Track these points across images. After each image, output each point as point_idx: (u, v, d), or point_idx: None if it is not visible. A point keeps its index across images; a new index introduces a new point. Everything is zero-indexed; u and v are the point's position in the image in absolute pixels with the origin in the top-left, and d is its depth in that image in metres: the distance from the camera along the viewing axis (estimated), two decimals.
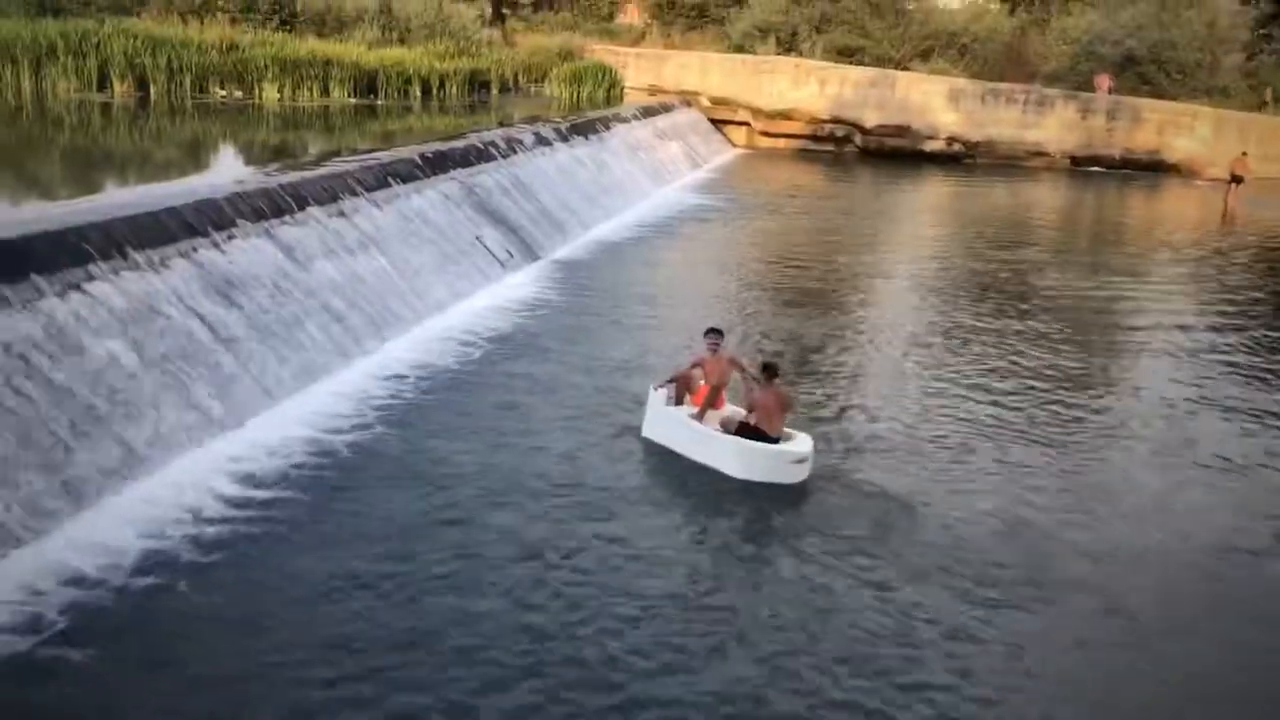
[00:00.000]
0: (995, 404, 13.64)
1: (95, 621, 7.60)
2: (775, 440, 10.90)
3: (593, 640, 7.83)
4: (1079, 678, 7.85)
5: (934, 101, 41.63)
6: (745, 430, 11.00)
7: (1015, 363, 15.55)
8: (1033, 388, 14.41)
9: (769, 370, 11.17)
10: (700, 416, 11.38)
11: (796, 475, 10.77)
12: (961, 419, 13.03)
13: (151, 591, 8.05)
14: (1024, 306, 19.24)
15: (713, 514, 10.21)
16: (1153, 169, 40.68)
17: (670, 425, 11.49)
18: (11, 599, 7.71)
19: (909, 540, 9.79)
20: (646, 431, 11.70)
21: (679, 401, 11.84)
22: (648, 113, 35.79)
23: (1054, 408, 13.67)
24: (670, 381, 11.92)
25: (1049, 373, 15.15)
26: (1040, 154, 41.67)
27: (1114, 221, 32.43)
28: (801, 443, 10.98)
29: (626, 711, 7.07)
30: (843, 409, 13.15)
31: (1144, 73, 44.11)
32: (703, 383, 11.79)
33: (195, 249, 12.29)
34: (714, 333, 12.07)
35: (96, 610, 7.74)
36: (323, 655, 7.46)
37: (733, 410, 11.55)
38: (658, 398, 11.73)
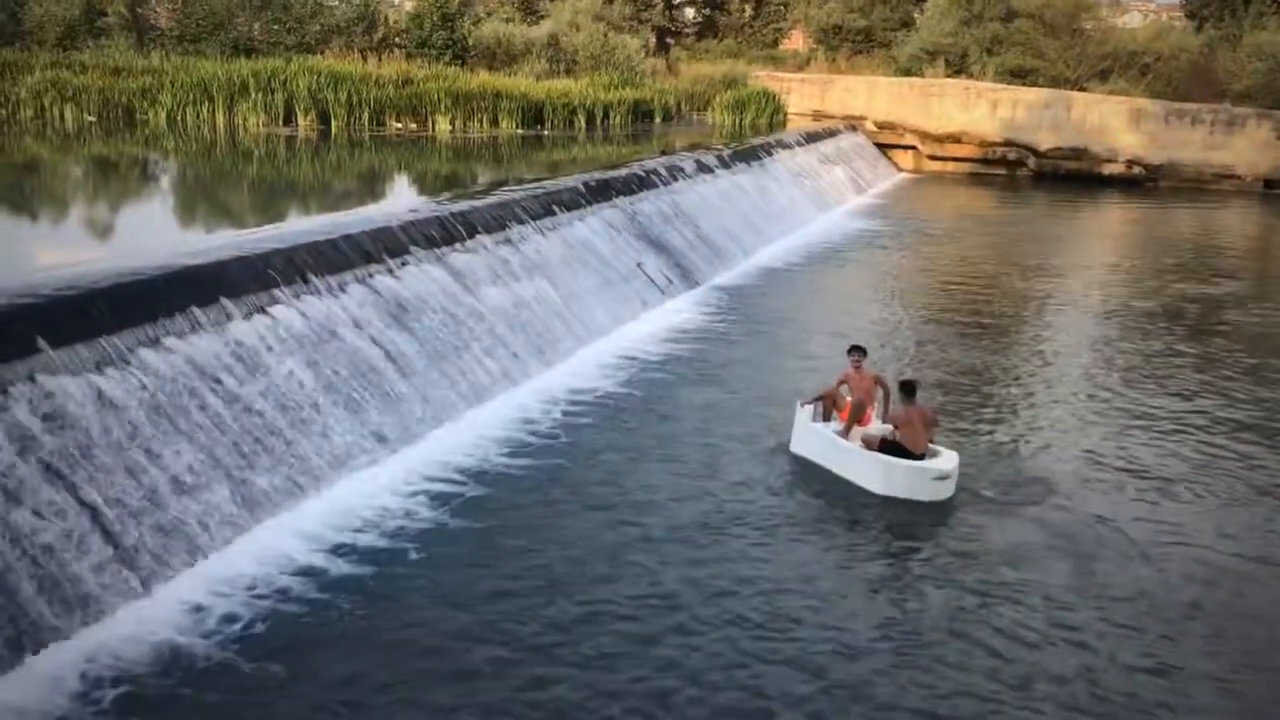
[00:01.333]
0: (1181, 440, 12.81)
1: (275, 631, 7.85)
2: (919, 457, 10.73)
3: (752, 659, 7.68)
4: None
5: (1113, 123, 39.89)
6: (887, 446, 10.86)
7: (1206, 399, 14.58)
8: (1229, 425, 13.47)
9: (907, 388, 11.13)
10: (845, 432, 11.41)
11: (939, 493, 10.65)
12: (1138, 452, 12.29)
13: (327, 605, 8.27)
14: (1218, 340, 18.09)
15: (862, 535, 10.05)
16: None
17: (816, 441, 11.60)
18: (200, 603, 8.08)
19: (1072, 573, 9.28)
20: (794, 447, 11.84)
21: (826, 418, 11.90)
22: (811, 138, 35.49)
23: (1253, 447, 12.73)
24: (817, 399, 11.98)
25: (1246, 411, 14.14)
26: (1230, 176, 39.36)
27: None
28: (945, 460, 10.88)
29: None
30: (1012, 437, 12.58)
31: None
32: (848, 399, 11.78)
33: (371, 274, 12.73)
34: (857, 350, 12.12)
35: (277, 619, 8.00)
36: (495, 668, 7.51)
37: (879, 427, 11.45)
38: (804, 414, 11.86)
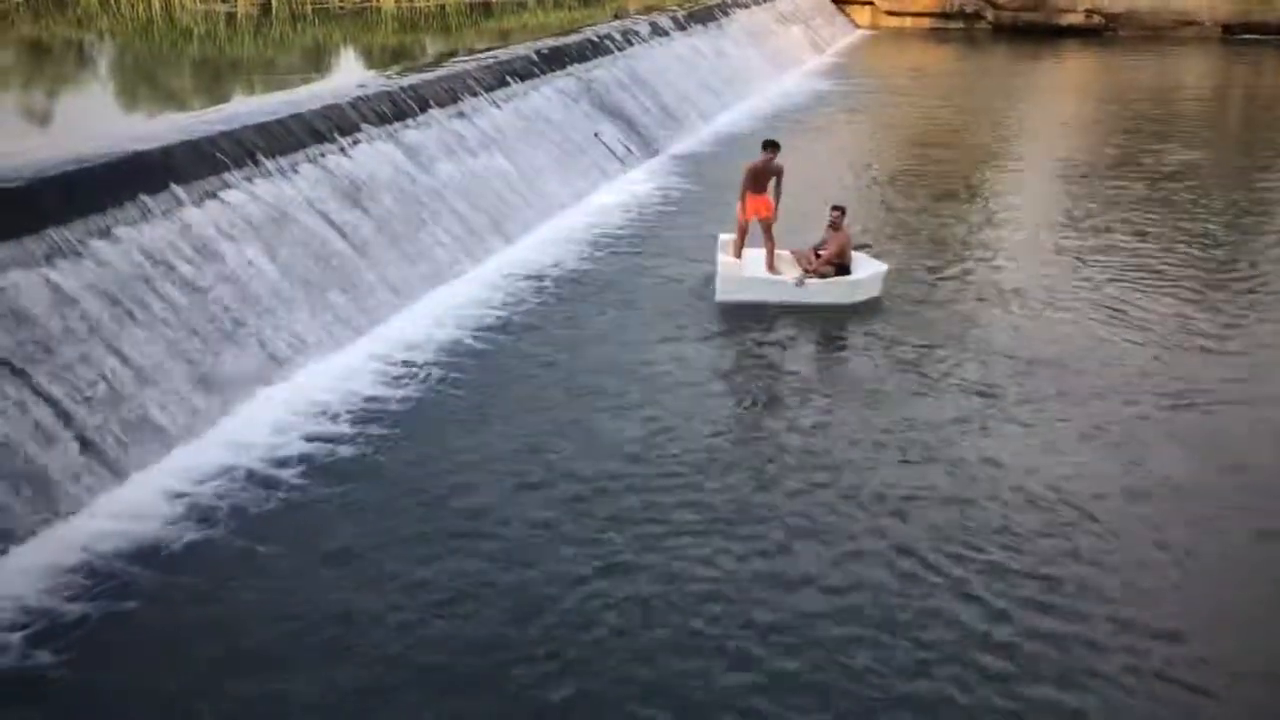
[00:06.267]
0: (1128, 290, 13.06)
1: (248, 515, 7.94)
2: (848, 267, 12.68)
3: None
4: None
5: None
6: (837, 268, 12.61)
7: (1159, 249, 14.78)
8: (1177, 272, 13.70)
9: (843, 211, 12.70)
10: (772, 265, 12.73)
11: (882, 289, 12.64)
12: (1087, 298, 12.53)
13: (301, 486, 8.35)
14: (1163, 188, 18.21)
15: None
16: None
17: (763, 287, 12.51)
18: (172, 492, 8.12)
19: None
20: (723, 295, 12.49)
21: (738, 254, 13.06)
22: None
23: (1199, 293, 13.00)
24: (740, 239, 13.11)
25: (1199, 259, 14.37)
26: (1189, 23, 38.98)
27: (1276, 94, 30.24)
28: (876, 263, 12.82)
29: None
30: (954, 271, 12.80)
31: None
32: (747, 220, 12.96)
33: (323, 154, 12.47)
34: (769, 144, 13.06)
35: (249, 504, 8.07)
36: (461, 527, 7.68)
37: (787, 253, 12.93)
38: (735, 265, 12.88)
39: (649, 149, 20.04)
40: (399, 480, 8.54)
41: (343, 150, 12.82)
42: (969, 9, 40.37)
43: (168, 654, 6.54)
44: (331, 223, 11.80)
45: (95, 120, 16.52)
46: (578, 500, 8.27)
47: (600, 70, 20.80)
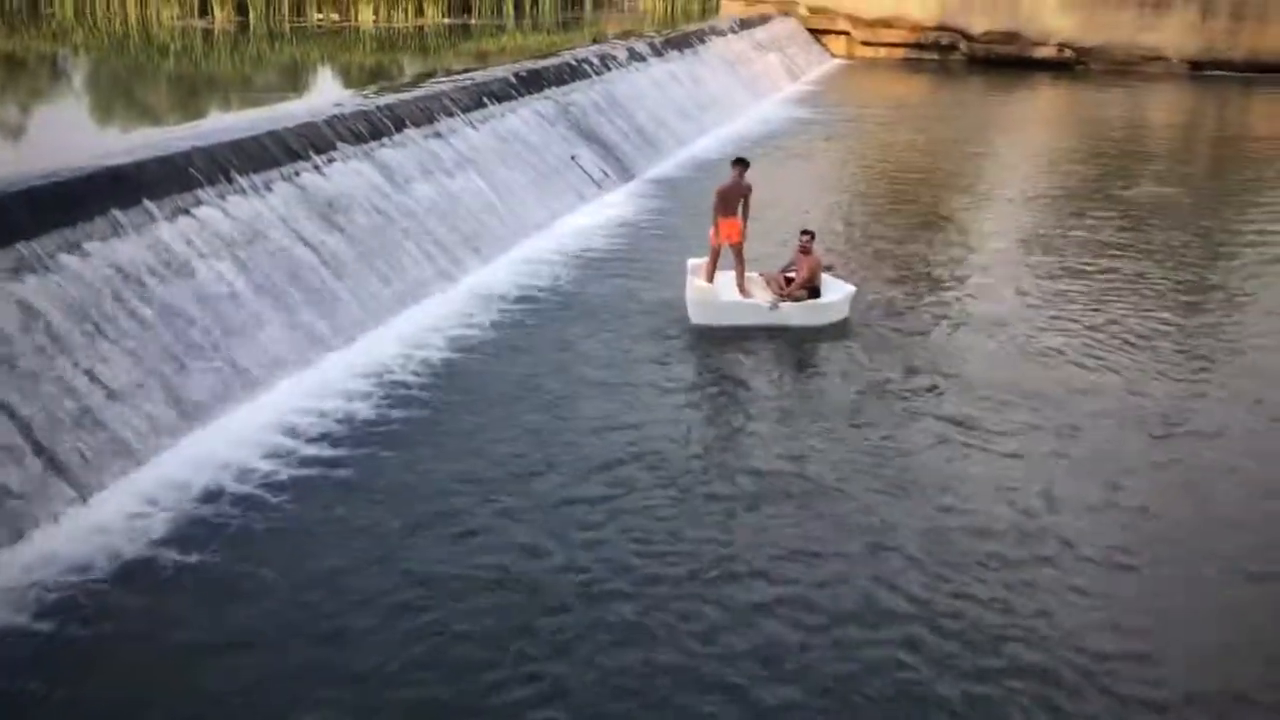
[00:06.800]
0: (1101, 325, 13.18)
1: (214, 534, 7.84)
2: (818, 289, 12.95)
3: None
4: None
5: (1045, 6, 39.72)
6: (808, 291, 12.83)
7: (1131, 278, 14.93)
8: (1150, 301, 13.84)
9: (813, 235, 12.91)
10: (743, 289, 12.86)
11: (850, 309, 12.95)
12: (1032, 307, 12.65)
13: (274, 504, 8.26)
14: (1143, 216, 18.44)
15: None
16: None
17: (737, 311, 12.63)
18: (138, 510, 8.01)
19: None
20: (698, 319, 12.56)
21: (709, 279, 13.06)
22: (744, 24, 35.04)
23: (1161, 324, 13.14)
24: (711, 264, 13.04)
25: (1171, 288, 14.53)
26: (1157, 59, 39.58)
27: (1241, 130, 30.73)
28: (844, 285, 13.10)
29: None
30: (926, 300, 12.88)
31: None
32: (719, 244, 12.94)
33: (297, 172, 12.42)
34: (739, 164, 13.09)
35: (216, 523, 7.97)
36: (435, 544, 7.62)
37: (756, 275, 13.20)
38: (708, 291, 12.87)
39: (625, 173, 20.09)
40: (374, 498, 8.47)
41: (318, 168, 12.78)
42: (943, 40, 40.84)
43: (142, 671, 6.46)
44: (306, 241, 11.74)
45: (67, 134, 16.42)
46: (552, 521, 8.21)
47: (578, 94, 20.88)
